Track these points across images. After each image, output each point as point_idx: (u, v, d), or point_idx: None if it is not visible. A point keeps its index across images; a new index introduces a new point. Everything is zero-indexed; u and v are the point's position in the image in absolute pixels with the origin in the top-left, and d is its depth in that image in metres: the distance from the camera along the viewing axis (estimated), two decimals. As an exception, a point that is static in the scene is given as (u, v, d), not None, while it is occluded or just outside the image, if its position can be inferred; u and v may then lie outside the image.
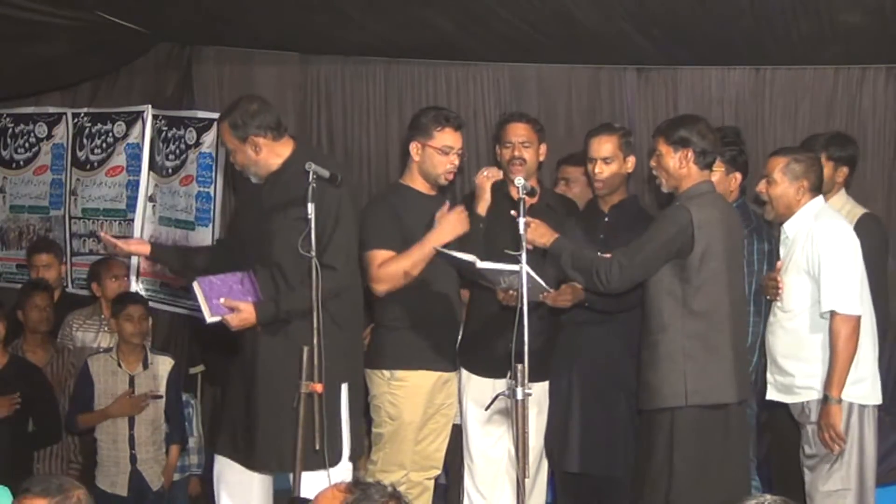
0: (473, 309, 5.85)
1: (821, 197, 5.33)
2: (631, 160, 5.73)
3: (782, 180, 5.27)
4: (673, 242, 5.02)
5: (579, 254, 5.22)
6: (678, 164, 5.14)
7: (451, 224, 5.48)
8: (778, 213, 5.34)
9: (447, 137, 5.58)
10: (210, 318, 5.00)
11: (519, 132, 5.81)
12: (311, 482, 4.81)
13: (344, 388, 5.06)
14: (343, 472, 5.01)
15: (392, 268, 5.48)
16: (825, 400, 5.10)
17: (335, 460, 4.93)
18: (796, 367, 5.26)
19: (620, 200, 5.78)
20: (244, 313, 4.97)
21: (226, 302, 4.96)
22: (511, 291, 5.27)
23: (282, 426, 4.93)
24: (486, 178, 5.61)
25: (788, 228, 5.32)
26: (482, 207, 5.60)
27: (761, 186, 5.37)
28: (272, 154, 5.13)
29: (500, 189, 5.85)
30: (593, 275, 5.10)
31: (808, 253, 5.17)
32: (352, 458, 5.15)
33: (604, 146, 5.68)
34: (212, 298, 4.98)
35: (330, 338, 4.82)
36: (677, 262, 5.03)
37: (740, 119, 6.50)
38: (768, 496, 3.19)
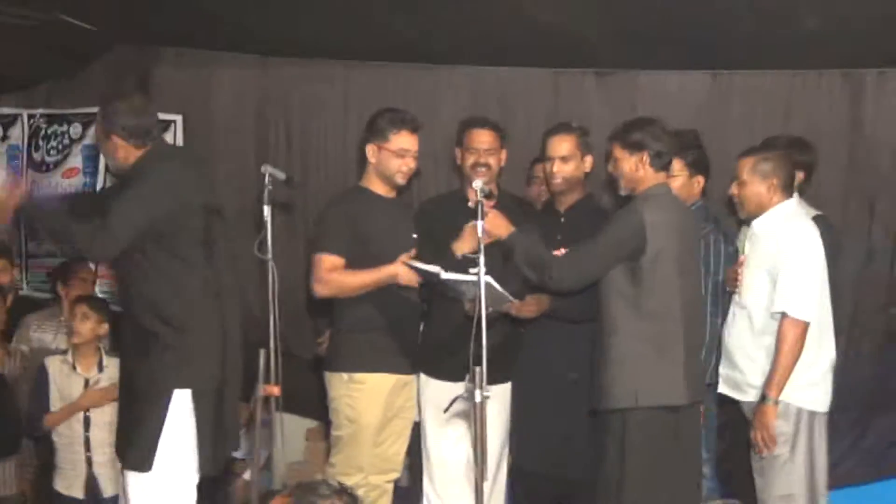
0: (432, 313, 5.86)
1: (794, 199, 5.36)
2: (588, 159, 5.75)
3: (752, 180, 5.30)
4: (625, 243, 5.04)
5: (533, 250, 5.24)
6: (634, 168, 5.17)
7: (407, 274, 5.46)
8: (750, 213, 5.38)
9: (403, 140, 5.58)
10: None
11: (483, 139, 5.81)
12: (134, 482, 4.88)
13: (180, 394, 4.86)
14: (164, 480, 4.89)
15: (340, 278, 5.49)
16: (762, 399, 5.14)
17: (143, 467, 4.83)
18: (747, 365, 5.30)
19: (577, 200, 5.80)
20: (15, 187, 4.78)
21: None
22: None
23: (122, 419, 5.01)
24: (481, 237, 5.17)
25: (757, 226, 5.36)
26: (460, 249, 5.45)
27: (733, 189, 5.41)
28: (129, 157, 5.00)
29: (457, 195, 5.86)
30: (544, 272, 5.11)
31: (772, 253, 5.20)
32: (206, 471, 4.96)
33: (562, 145, 5.70)
34: None
35: (162, 341, 4.82)
36: (629, 264, 5.04)
37: (699, 123, 6.51)
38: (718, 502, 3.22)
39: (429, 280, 5.37)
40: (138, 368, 4.88)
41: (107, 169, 7.38)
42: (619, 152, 5.21)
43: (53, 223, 4.86)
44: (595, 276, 5.13)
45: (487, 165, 5.77)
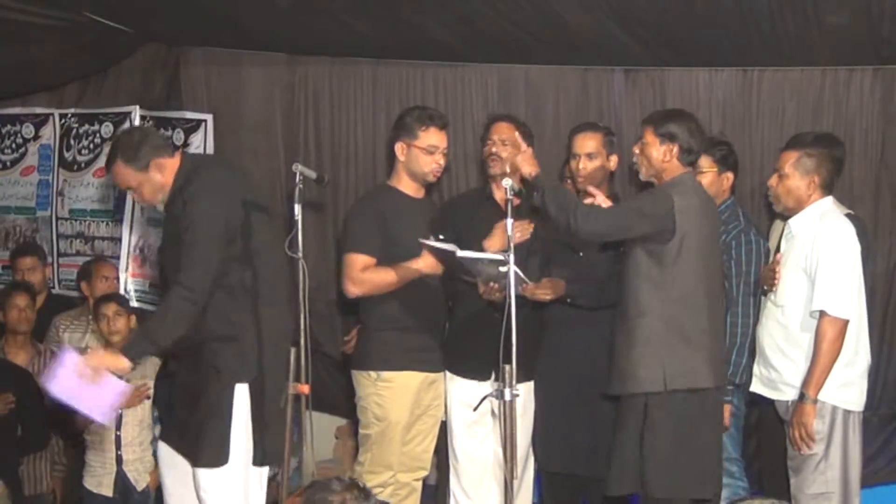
0: (457, 311, 5.86)
1: (829, 197, 5.34)
2: (613, 159, 5.78)
3: (793, 174, 5.29)
4: (654, 218, 4.99)
5: (563, 191, 5.25)
6: (662, 157, 5.15)
7: (431, 262, 5.51)
8: (787, 207, 5.36)
9: (432, 137, 5.60)
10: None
11: (500, 130, 5.82)
12: (206, 479, 4.88)
13: (239, 388, 4.88)
14: (238, 474, 4.92)
15: (374, 277, 5.52)
16: (801, 398, 5.12)
17: (220, 461, 4.85)
18: (783, 364, 5.28)
19: (602, 199, 5.80)
20: (110, 358, 4.72)
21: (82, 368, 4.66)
22: (492, 284, 5.30)
23: (187, 421, 4.97)
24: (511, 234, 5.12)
25: (794, 224, 5.34)
26: (491, 246, 5.47)
27: (772, 180, 5.39)
28: (167, 173, 4.93)
29: (480, 192, 5.88)
30: (570, 212, 5.02)
31: (808, 251, 5.18)
32: (262, 463, 4.96)
33: (588, 142, 5.73)
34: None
35: (221, 338, 4.83)
36: (656, 246, 5.02)
37: (727, 120, 6.51)
38: (757, 500, 3.20)
39: (445, 261, 5.37)
40: (198, 366, 4.93)
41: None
42: (650, 137, 5.19)
43: (158, 345, 4.81)
44: (615, 232, 5.12)
45: (501, 157, 5.76)
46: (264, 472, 5.02)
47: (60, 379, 4.70)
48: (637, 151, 5.27)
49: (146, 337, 4.77)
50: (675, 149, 5.14)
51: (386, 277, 5.51)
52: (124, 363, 4.67)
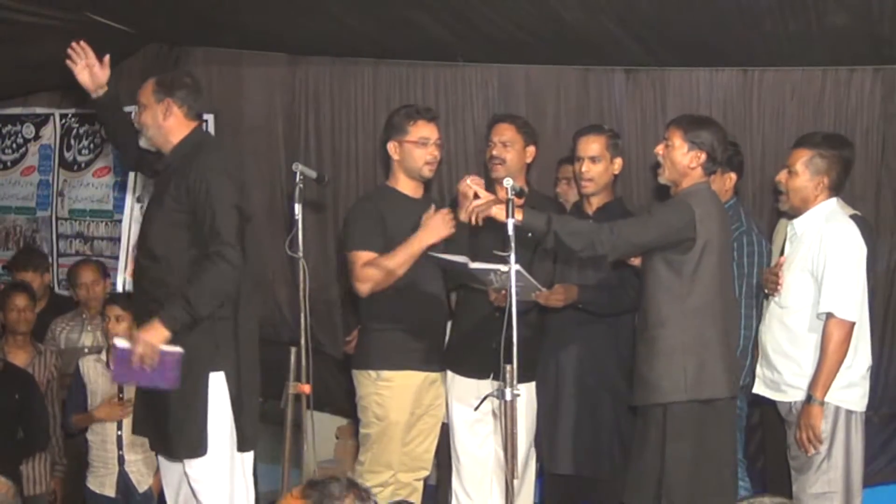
0: (461, 310, 5.87)
1: (835, 199, 5.31)
2: (618, 161, 5.75)
3: (804, 173, 5.24)
4: (677, 229, 4.98)
5: (566, 218, 5.27)
6: (688, 162, 5.10)
7: (436, 225, 5.48)
8: (793, 205, 5.33)
9: (422, 129, 5.60)
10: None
11: (501, 131, 5.83)
12: (195, 470, 4.91)
13: (214, 377, 4.88)
14: (224, 462, 4.94)
15: (377, 270, 5.48)
16: (808, 400, 5.10)
17: (199, 452, 4.86)
18: (786, 365, 5.26)
19: (606, 203, 5.78)
20: (150, 333, 4.70)
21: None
22: (503, 291, 5.28)
23: (159, 414, 4.95)
24: (469, 185, 5.38)
25: (798, 225, 5.31)
26: (464, 215, 5.42)
27: (781, 176, 5.34)
28: (176, 127, 5.00)
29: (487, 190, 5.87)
30: (590, 239, 4.97)
31: (814, 253, 5.16)
32: (243, 449, 5.00)
33: (591, 145, 5.71)
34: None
35: (199, 330, 4.82)
36: (677, 257, 5.01)
37: (728, 120, 6.49)
38: (766, 498, 3.19)
39: (455, 270, 5.36)
40: None
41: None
42: (678, 140, 5.13)
43: (195, 312, 4.76)
44: (642, 249, 5.11)
45: (502, 160, 5.77)
46: (249, 458, 5.04)
47: (122, 371, 4.86)
48: (661, 152, 5.22)
49: (184, 304, 4.74)
50: (703, 157, 5.11)
51: (390, 262, 5.46)
52: (164, 333, 4.69)
